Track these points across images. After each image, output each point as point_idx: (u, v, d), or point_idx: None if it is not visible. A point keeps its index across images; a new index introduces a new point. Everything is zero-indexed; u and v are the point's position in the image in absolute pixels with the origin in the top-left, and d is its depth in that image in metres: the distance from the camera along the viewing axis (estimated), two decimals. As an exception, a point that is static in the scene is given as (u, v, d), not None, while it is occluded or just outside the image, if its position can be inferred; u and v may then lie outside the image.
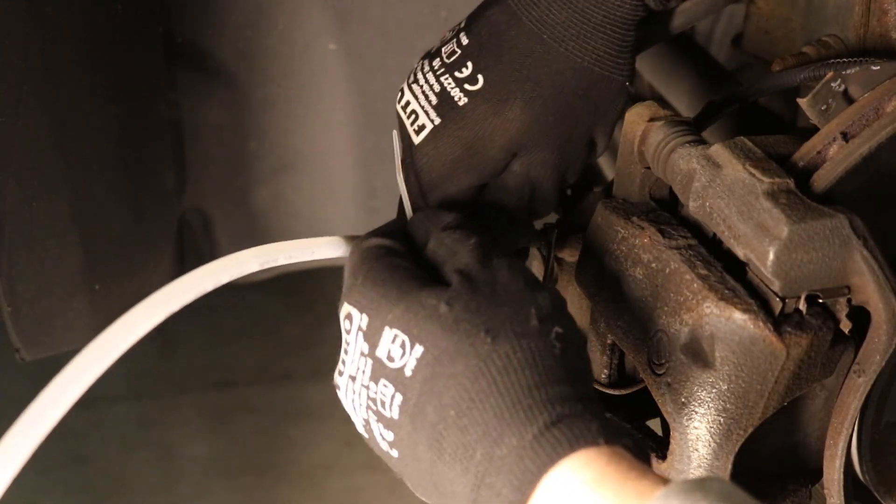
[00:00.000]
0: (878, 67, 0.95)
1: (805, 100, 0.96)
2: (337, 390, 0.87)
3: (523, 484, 0.72)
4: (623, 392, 1.02)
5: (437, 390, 0.77)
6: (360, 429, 0.85)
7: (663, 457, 0.94)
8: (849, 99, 0.96)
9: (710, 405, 0.89)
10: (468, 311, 0.79)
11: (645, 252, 0.95)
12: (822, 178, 0.91)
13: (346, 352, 0.84)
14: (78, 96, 1.22)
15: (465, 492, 0.75)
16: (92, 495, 2.16)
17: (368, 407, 0.82)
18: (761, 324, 0.87)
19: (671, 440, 0.93)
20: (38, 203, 1.21)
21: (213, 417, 2.31)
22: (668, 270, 0.93)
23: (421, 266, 0.85)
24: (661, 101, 1.41)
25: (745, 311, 0.87)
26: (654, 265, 0.94)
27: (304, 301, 2.49)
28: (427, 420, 0.77)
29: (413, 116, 0.99)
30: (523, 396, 0.75)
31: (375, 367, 0.81)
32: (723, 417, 0.89)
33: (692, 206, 0.93)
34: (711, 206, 0.91)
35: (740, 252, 0.89)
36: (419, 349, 0.78)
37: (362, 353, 0.82)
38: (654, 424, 1.01)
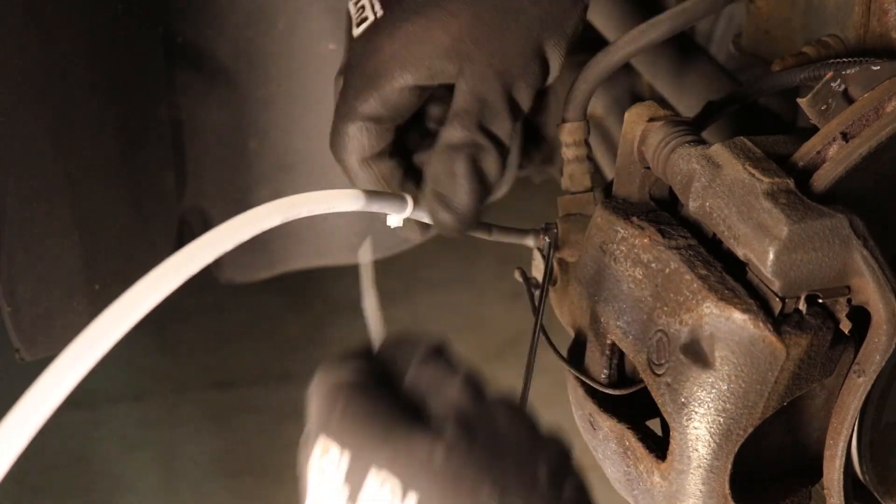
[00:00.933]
0: (878, 67, 0.95)
1: (805, 100, 0.96)
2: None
3: None
4: (623, 392, 1.02)
5: None
6: None
7: (663, 457, 0.94)
8: (849, 99, 0.96)
9: (710, 405, 0.89)
10: (469, 464, 0.70)
11: (645, 252, 0.95)
12: (822, 178, 0.91)
13: (318, 486, 0.77)
14: (78, 97, 1.23)
15: None
16: (92, 495, 2.16)
17: None
18: (761, 324, 0.87)
19: (671, 440, 0.93)
20: (38, 203, 1.21)
21: (213, 417, 2.31)
22: (668, 270, 0.93)
23: (401, 399, 0.75)
24: (661, 101, 1.42)
25: (744, 311, 0.87)
26: (654, 265, 0.94)
27: (304, 301, 2.49)
28: None
29: (360, 11, 0.98)
30: None
31: None
32: (723, 417, 0.89)
33: (692, 206, 0.93)
34: (711, 206, 0.91)
35: (740, 252, 0.89)
36: (413, 498, 0.70)
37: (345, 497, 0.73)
38: (654, 424, 1.01)
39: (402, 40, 0.96)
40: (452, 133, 0.96)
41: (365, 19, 0.97)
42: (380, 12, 0.96)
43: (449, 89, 0.98)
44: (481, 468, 0.70)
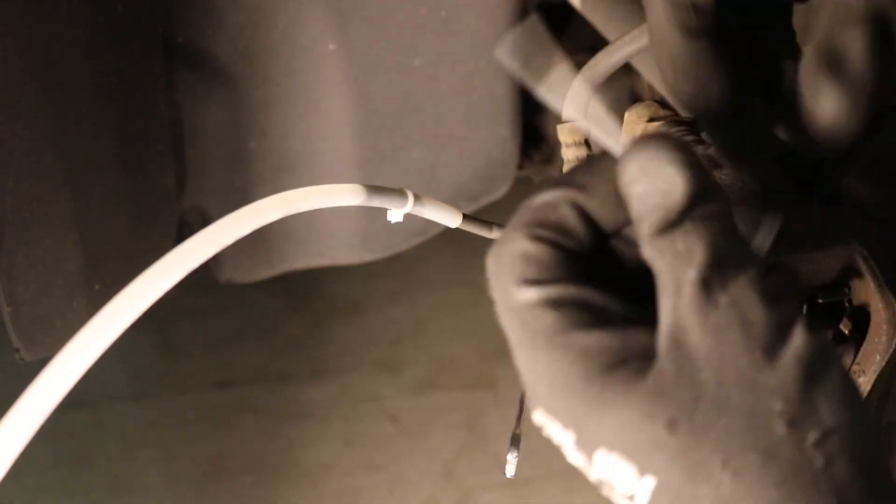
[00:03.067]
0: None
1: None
2: None
3: None
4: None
5: None
6: None
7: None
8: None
9: (710, 405, 0.89)
10: (694, 434, 0.58)
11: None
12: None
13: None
14: (78, 96, 1.23)
15: None
16: (92, 495, 2.16)
17: None
18: (761, 324, 0.87)
19: (671, 440, 0.92)
20: (38, 203, 1.21)
21: (213, 417, 2.31)
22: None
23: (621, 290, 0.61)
24: (662, 101, 1.41)
25: (744, 311, 0.87)
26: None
27: (304, 301, 2.49)
28: None
29: None
30: None
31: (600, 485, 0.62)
32: (723, 417, 0.89)
33: (692, 206, 0.93)
34: (711, 206, 0.91)
35: (740, 252, 0.89)
36: (650, 481, 0.59)
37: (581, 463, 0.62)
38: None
39: None
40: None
41: None
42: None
43: None
44: (707, 439, 0.58)
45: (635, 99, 1.56)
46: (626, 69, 1.51)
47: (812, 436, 0.58)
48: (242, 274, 1.57)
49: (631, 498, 0.60)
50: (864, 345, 0.90)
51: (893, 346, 0.89)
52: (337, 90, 1.45)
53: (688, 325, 0.59)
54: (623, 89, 1.58)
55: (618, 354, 0.60)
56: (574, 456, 0.61)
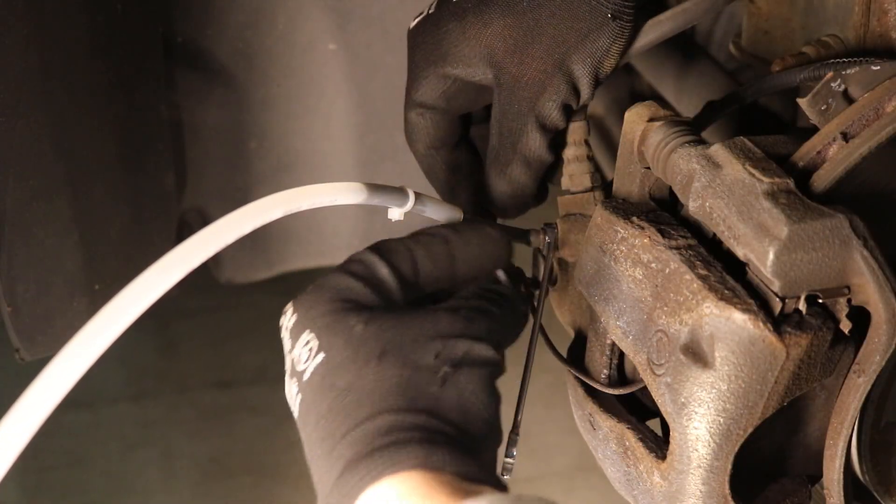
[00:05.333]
0: (878, 67, 0.95)
1: (805, 100, 0.96)
2: None
3: (349, 496, 0.78)
4: (623, 392, 1.02)
5: (321, 397, 0.83)
6: None
7: (663, 457, 0.94)
8: (848, 99, 0.96)
9: (710, 405, 0.89)
10: (376, 336, 0.84)
11: (645, 252, 0.95)
12: (822, 178, 0.91)
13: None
14: (78, 96, 1.23)
15: (320, 486, 0.81)
16: (92, 495, 2.16)
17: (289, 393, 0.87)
18: (761, 324, 0.87)
19: (671, 440, 0.93)
20: (38, 203, 1.21)
21: (213, 417, 2.31)
22: (667, 270, 0.93)
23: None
24: (661, 101, 1.41)
25: (744, 311, 0.87)
26: (654, 265, 0.94)
27: (304, 301, 2.49)
28: (310, 422, 0.83)
29: (428, 8, 1.05)
30: (366, 421, 0.80)
31: (289, 366, 0.87)
32: (722, 417, 0.89)
33: (692, 206, 0.93)
34: (711, 206, 0.91)
35: (740, 252, 0.89)
36: (321, 356, 0.84)
37: (285, 350, 0.87)
38: (654, 424, 1.01)
39: (442, 37, 1.03)
40: (490, 141, 1.04)
41: (421, 14, 1.05)
42: (433, 9, 1.04)
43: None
44: (381, 338, 0.84)
45: (635, 99, 1.56)
46: (627, 69, 1.52)
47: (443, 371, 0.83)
48: (242, 274, 1.57)
49: (302, 373, 0.84)
50: (864, 345, 0.90)
51: (893, 346, 0.89)
52: (337, 90, 1.45)
53: None
54: (623, 89, 1.58)
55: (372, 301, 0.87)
56: (287, 342, 0.87)
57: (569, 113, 1.02)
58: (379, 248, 0.90)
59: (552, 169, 1.06)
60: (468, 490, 0.76)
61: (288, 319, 0.88)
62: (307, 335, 0.85)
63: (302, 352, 0.85)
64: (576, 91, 1.01)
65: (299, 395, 0.84)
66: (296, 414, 0.85)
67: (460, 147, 1.09)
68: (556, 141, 1.04)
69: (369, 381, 0.82)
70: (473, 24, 1.01)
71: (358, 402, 0.81)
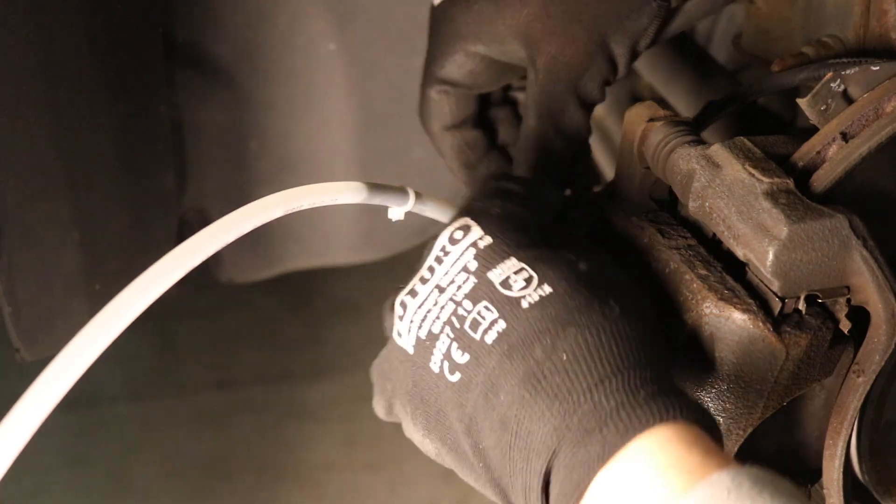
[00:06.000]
0: (878, 67, 0.95)
1: (805, 100, 0.96)
2: (399, 301, 0.84)
3: (623, 436, 0.72)
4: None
5: (555, 332, 0.76)
6: (407, 341, 0.83)
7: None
8: (848, 99, 0.96)
9: (710, 405, 0.89)
10: (602, 278, 0.81)
11: (645, 252, 0.95)
12: (822, 179, 0.91)
13: (438, 261, 0.83)
14: (78, 96, 1.22)
15: (545, 431, 0.74)
16: (92, 495, 2.16)
17: (448, 322, 0.80)
18: (761, 324, 0.87)
19: (671, 440, 0.93)
20: (38, 203, 1.21)
21: (213, 417, 2.31)
22: (667, 270, 0.93)
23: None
24: (661, 101, 1.42)
25: (744, 311, 0.87)
26: (653, 265, 0.94)
27: (304, 301, 2.49)
28: (531, 356, 0.76)
29: None
30: (639, 364, 0.76)
31: (480, 288, 0.80)
32: (722, 417, 0.89)
33: (692, 206, 0.93)
34: (711, 206, 0.91)
35: (740, 252, 0.89)
36: (548, 289, 0.78)
37: (465, 269, 0.81)
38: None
39: (475, 14, 1.02)
40: (526, 122, 1.02)
41: None
42: None
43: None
44: (609, 286, 0.80)
45: (635, 99, 1.56)
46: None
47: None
48: (242, 274, 1.57)
49: (515, 301, 0.78)
50: (864, 345, 0.90)
51: (893, 346, 0.89)
52: (337, 90, 1.45)
53: None
54: (623, 90, 1.58)
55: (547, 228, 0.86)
56: (469, 260, 0.81)
57: (606, 90, 1.03)
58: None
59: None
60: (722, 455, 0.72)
61: (472, 237, 0.82)
62: (516, 262, 0.80)
63: (513, 277, 0.80)
64: (614, 68, 1.01)
65: (501, 322, 0.78)
66: (487, 339, 0.78)
67: (477, 127, 1.09)
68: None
69: (621, 329, 0.77)
70: (510, 3, 1.00)
71: (609, 349, 0.76)
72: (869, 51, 1.06)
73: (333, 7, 1.40)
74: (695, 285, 0.90)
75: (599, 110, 1.59)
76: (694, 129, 0.97)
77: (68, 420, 2.21)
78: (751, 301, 0.88)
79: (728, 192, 0.90)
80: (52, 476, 2.15)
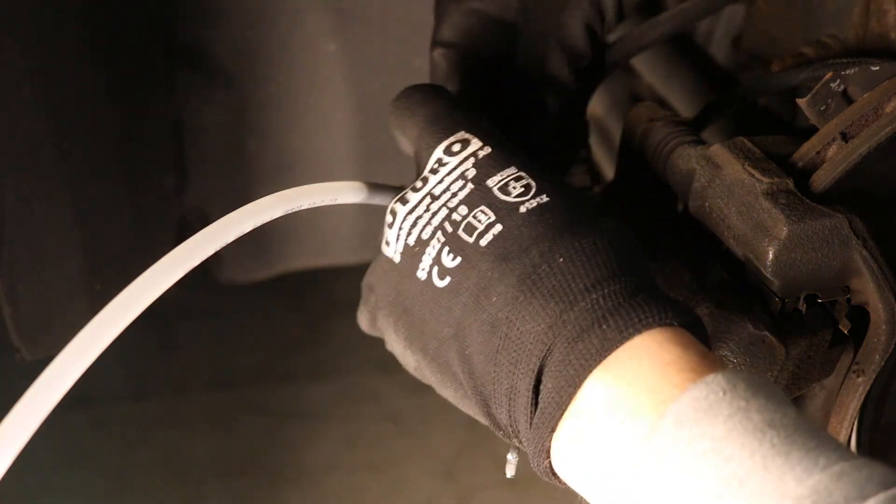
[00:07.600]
0: (878, 68, 0.96)
1: (804, 100, 0.96)
2: (393, 211, 0.85)
3: (622, 333, 0.73)
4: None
5: (552, 237, 0.77)
6: (394, 250, 0.84)
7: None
8: (848, 99, 0.96)
9: (710, 405, 0.89)
10: (594, 199, 0.84)
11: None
12: (822, 179, 0.91)
13: (433, 172, 0.84)
14: (78, 97, 1.23)
15: (539, 329, 0.75)
16: (92, 495, 2.16)
17: (440, 227, 0.81)
18: (760, 324, 0.87)
19: (671, 440, 0.93)
20: (38, 203, 1.21)
21: (213, 417, 2.31)
22: (667, 270, 0.93)
23: None
24: (661, 102, 1.42)
25: (744, 311, 0.87)
26: (652, 265, 0.94)
27: (304, 301, 2.49)
28: (527, 258, 0.77)
29: None
30: (635, 271, 0.77)
31: (477, 193, 0.81)
32: (722, 417, 0.89)
33: (692, 206, 0.93)
34: (711, 206, 0.91)
35: (740, 252, 0.89)
36: (545, 198, 0.80)
37: (462, 177, 0.82)
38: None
39: None
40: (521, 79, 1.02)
41: None
42: None
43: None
44: (598, 207, 0.81)
45: (635, 99, 1.56)
46: (626, 70, 1.52)
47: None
48: (242, 274, 1.57)
49: (513, 205, 0.79)
50: (864, 345, 0.90)
51: (893, 346, 0.89)
52: (337, 90, 1.45)
53: None
54: (623, 90, 1.58)
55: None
56: (468, 169, 0.82)
57: (594, 39, 1.01)
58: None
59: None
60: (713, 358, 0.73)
61: (472, 148, 0.84)
62: (516, 171, 0.82)
63: (511, 183, 0.81)
64: (600, 13, 1.00)
65: (498, 226, 0.79)
66: (481, 241, 0.79)
67: (483, 89, 1.07)
68: (581, 71, 1.03)
69: (617, 239, 0.78)
70: None
71: (606, 255, 0.76)
72: (869, 51, 1.06)
73: (333, 7, 1.40)
74: (694, 285, 0.90)
75: (599, 110, 1.59)
76: (694, 129, 0.97)
77: (68, 420, 2.21)
78: (751, 301, 0.88)
79: (728, 193, 0.90)
80: (52, 476, 2.15)
